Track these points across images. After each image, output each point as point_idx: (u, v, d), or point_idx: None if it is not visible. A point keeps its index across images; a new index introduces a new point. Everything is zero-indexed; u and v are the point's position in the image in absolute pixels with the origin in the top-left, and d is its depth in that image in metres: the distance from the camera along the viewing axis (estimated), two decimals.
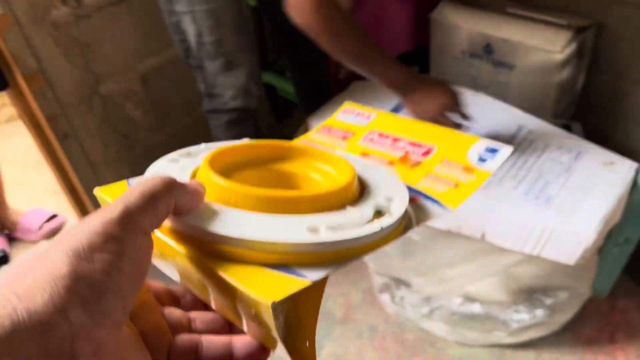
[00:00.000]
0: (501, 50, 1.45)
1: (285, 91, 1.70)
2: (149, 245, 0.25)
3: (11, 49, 1.19)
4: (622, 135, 1.61)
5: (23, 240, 1.66)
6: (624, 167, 0.98)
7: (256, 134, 1.31)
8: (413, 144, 0.45)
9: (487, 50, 1.48)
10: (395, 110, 1.20)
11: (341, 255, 0.29)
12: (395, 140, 0.45)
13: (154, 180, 0.26)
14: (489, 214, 0.94)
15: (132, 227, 0.24)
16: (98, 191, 0.34)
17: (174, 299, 0.31)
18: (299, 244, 0.28)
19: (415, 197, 0.38)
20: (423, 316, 1.22)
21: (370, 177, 0.37)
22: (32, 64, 1.23)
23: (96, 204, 1.50)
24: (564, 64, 1.37)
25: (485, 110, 1.15)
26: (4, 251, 1.58)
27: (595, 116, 1.65)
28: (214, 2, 1.05)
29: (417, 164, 0.42)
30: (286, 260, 0.28)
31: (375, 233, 0.30)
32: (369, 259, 1.24)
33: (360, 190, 0.35)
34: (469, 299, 1.14)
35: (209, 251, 0.28)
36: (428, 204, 0.38)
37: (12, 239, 1.67)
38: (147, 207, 0.24)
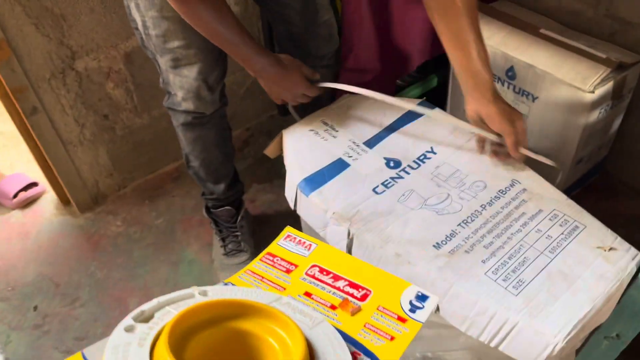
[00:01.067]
0: (525, 77, 1.26)
1: None
2: None
3: None
4: None
5: (0, 204, 1.62)
6: (623, 257, 0.81)
7: (220, 140, 1.18)
8: (352, 286, 0.51)
9: (509, 74, 1.29)
10: (381, 137, 1.05)
11: None
12: (336, 278, 0.52)
13: None
14: (448, 287, 0.80)
15: None
16: None
17: None
18: None
19: (356, 354, 0.44)
20: None
21: (316, 337, 0.43)
22: None
23: (68, 182, 1.43)
24: (595, 105, 1.17)
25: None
26: None
27: (629, 165, 1.43)
28: None
29: (356, 310, 0.48)
30: None
31: None
32: None
33: (310, 356, 0.40)
34: None
35: None
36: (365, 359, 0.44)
37: None
38: None
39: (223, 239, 1.31)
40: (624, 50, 1.23)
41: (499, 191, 0.92)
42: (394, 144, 1.04)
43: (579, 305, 0.75)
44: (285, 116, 1.82)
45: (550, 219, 0.87)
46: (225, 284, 0.49)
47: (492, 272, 0.80)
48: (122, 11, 1.28)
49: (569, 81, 1.17)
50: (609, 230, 0.84)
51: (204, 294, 0.44)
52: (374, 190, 0.95)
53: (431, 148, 1.02)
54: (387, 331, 0.46)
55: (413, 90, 1.56)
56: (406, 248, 0.84)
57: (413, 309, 0.48)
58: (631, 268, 0.80)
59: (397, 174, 0.97)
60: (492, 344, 0.77)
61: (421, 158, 1.00)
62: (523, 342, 0.74)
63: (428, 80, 1.58)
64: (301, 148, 1.06)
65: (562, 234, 0.84)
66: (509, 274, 0.79)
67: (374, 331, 0.46)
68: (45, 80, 1.27)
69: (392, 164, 1.00)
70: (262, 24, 1.56)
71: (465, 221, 0.87)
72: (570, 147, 1.26)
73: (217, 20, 0.88)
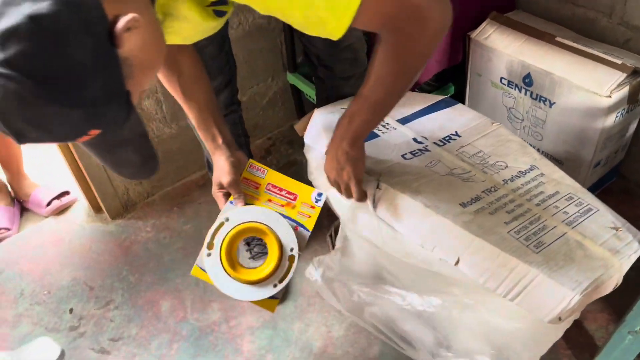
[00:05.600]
0: (542, 83, 1.31)
1: (309, 95, 1.61)
2: None
3: None
4: None
5: (34, 212, 1.67)
6: (633, 238, 0.86)
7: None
8: (289, 193, 0.99)
9: (526, 81, 1.33)
10: (411, 118, 1.14)
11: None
12: (280, 190, 0.99)
13: None
14: (469, 241, 0.87)
15: None
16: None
17: None
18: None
19: (296, 227, 0.97)
20: None
21: (277, 227, 0.94)
22: None
23: (100, 189, 1.48)
24: (611, 109, 1.22)
25: (501, 142, 1.07)
26: (7, 229, 1.59)
27: None
28: None
29: (293, 205, 0.98)
30: None
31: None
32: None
33: (279, 242, 0.94)
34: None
35: None
36: (301, 229, 0.97)
37: (25, 209, 1.69)
38: None
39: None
40: (638, 57, 1.26)
41: (519, 172, 1.01)
42: (422, 125, 1.13)
43: (594, 268, 0.81)
44: None
45: (566, 199, 0.95)
46: (232, 202, 0.97)
47: (515, 232, 0.88)
48: None
49: (585, 86, 1.21)
50: (620, 217, 0.89)
51: (228, 220, 0.94)
52: (402, 156, 1.04)
53: (456, 132, 1.12)
54: (307, 213, 0.97)
55: None
56: (434, 202, 0.92)
57: (317, 200, 0.98)
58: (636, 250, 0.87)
59: (424, 147, 1.05)
60: (508, 297, 0.83)
61: (446, 138, 1.09)
62: (540, 295, 0.80)
63: (445, 88, 1.63)
64: (332, 121, 1.02)
65: (578, 212, 0.93)
66: (530, 235, 0.87)
67: (302, 214, 0.97)
68: None
69: (419, 139, 1.08)
70: (285, 37, 1.61)
71: (489, 189, 0.96)
72: (588, 150, 1.30)
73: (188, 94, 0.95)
